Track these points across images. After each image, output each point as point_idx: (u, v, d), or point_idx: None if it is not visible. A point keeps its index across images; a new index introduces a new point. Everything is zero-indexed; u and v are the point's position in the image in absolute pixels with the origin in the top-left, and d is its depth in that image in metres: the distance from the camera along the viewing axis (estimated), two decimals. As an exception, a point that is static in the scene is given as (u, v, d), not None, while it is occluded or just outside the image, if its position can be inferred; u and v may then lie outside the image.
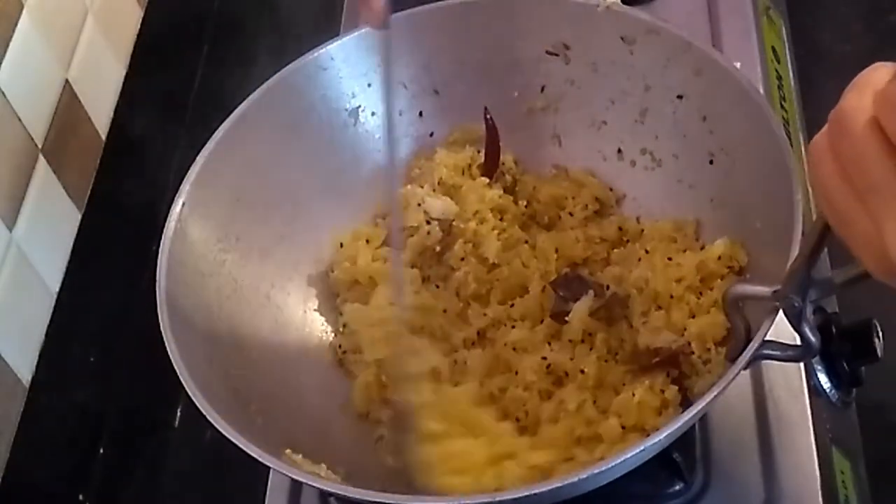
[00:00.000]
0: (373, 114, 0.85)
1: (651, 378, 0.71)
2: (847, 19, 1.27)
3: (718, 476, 0.74)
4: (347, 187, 0.85)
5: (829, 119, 0.43)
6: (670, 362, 0.72)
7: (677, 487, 0.74)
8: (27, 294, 0.83)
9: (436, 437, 0.71)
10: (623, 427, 0.70)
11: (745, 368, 0.62)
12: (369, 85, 0.85)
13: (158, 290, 0.70)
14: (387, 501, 0.61)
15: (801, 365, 0.78)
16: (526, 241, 0.82)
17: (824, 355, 0.80)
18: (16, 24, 0.83)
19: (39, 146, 0.85)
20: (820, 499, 0.73)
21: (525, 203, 0.84)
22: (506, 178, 0.84)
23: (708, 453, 0.75)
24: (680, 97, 0.79)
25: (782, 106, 0.95)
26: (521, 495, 0.60)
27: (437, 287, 0.81)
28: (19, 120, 0.82)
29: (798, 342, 0.61)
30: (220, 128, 0.79)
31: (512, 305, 0.79)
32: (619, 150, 0.84)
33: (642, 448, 0.60)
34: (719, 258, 0.73)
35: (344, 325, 0.80)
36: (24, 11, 0.84)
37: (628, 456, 0.59)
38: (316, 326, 0.82)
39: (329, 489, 0.65)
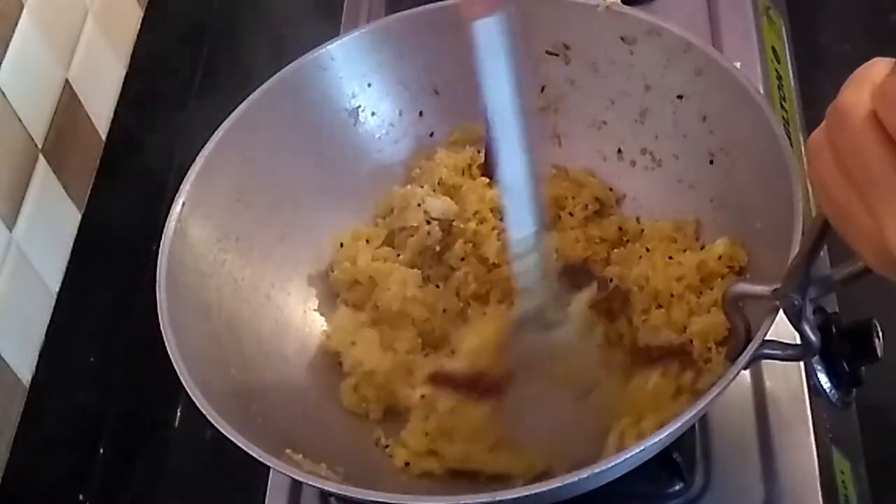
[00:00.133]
0: (373, 114, 0.86)
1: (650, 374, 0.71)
2: (847, 19, 1.27)
3: (718, 476, 0.74)
4: (347, 187, 0.85)
5: (827, 113, 0.44)
6: (669, 360, 0.72)
7: (677, 487, 0.74)
8: (27, 294, 0.83)
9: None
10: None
11: (745, 368, 0.62)
12: (369, 85, 0.85)
13: (158, 290, 0.70)
14: (387, 501, 0.61)
15: (801, 365, 0.78)
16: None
17: (824, 355, 0.80)
18: (16, 24, 0.83)
19: (39, 146, 0.85)
20: (820, 499, 0.73)
21: None
22: None
23: (708, 453, 0.75)
24: (680, 97, 0.79)
25: (782, 106, 0.95)
26: (521, 495, 0.60)
27: (437, 287, 0.81)
28: (19, 120, 0.82)
29: (798, 341, 0.61)
30: (220, 128, 0.79)
31: (512, 304, 0.79)
32: (619, 150, 0.84)
33: (642, 448, 0.60)
34: (720, 258, 0.73)
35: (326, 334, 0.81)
36: (24, 11, 0.84)
37: (628, 456, 0.59)
38: (316, 326, 0.82)
39: (329, 489, 0.65)
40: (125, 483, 0.89)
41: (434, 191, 0.83)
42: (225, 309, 0.76)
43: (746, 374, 0.78)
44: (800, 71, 1.04)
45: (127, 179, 0.96)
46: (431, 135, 0.87)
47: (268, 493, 0.79)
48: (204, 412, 0.64)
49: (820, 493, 0.73)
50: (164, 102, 1.05)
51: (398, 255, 0.82)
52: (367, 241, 0.83)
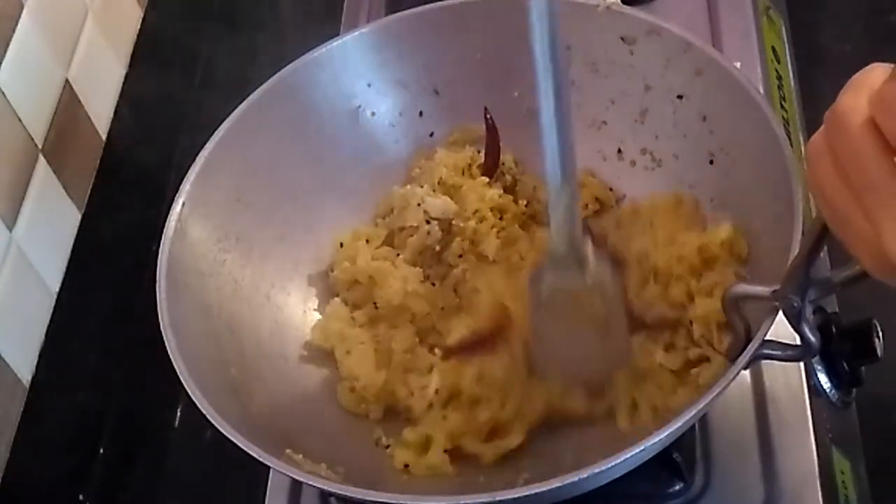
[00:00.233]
0: (373, 114, 0.86)
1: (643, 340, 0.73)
2: (847, 19, 1.27)
3: (718, 476, 0.74)
4: (347, 187, 0.85)
5: (825, 119, 0.44)
6: (663, 327, 0.73)
7: (677, 487, 0.74)
8: (27, 294, 0.83)
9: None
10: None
11: (745, 368, 0.62)
12: (369, 85, 0.85)
13: (158, 290, 0.70)
14: (387, 501, 0.61)
15: (801, 365, 0.78)
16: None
17: (824, 355, 0.80)
18: (16, 24, 0.83)
19: (39, 146, 0.85)
20: (820, 499, 0.73)
21: (525, 203, 0.84)
22: (506, 178, 0.84)
23: (708, 453, 0.75)
24: (680, 97, 0.79)
25: (782, 106, 0.95)
26: (521, 495, 0.60)
27: (434, 285, 0.80)
28: (19, 120, 0.82)
29: (798, 342, 0.61)
30: (220, 128, 0.79)
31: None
32: (619, 150, 0.84)
33: (642, 448, 0.60)
34: (721, 243, 0.73)
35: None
36: (24, 11, 0.84)
37: (628, 456, 0.59)
38: (316, 326, 0.82)
39: (329, 489, 0.65)
40: (125, 483, 0.89)
41: (434, 190, 0.83)
42: (225, 309, 0.76)
43: (746, 374, 0.78)
44: (800, 71, 1.04)
45: (127, 179, 0.96)
46: (431, 135, 0.87)
47: (268, 493, 0.79)
48: (204, 412, 0.64)
49: (820, 493, 0.73)
50: (164, 102, 1.05)
51: (398, 254, 0.82)
52: (367, 241, 0.83)
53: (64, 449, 0.85)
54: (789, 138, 0.69)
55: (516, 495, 0.60)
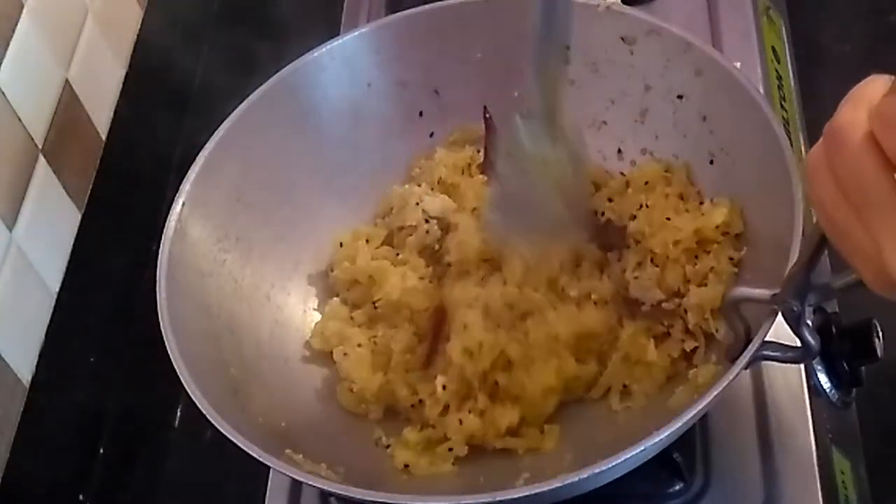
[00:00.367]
0: (373, 114, 0.85)
1: (638, 324, 0.73)
2: (847, 19, 1.27)
3: (718, 476, 0.74)
4: (347, 187, 0.85)
5: (824, 133, 0.43)
6: (657, 317, 0.73)
7: (677, 487, 0.74)
8: (27, 294, 0.83)
9: None
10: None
11: (744, 368, 0.62)
12: (369, 85, 0.85)
13: (158, 290, 0.70)
14: (387, 501, 0.61)
15: (801, 365, 0.78)
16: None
17: (824, 355, 0.80)
18: (16, 24, 0.83)
19: (39, 146, 0.85)
20: (820, 499, 0.73)
21: None
22: None
23: (708, 453, 0.75)
24: (680, 97, 0.79)
25: (782, 106, 0.95)
26: (521, 495, 0.60)
27: (430, 282, 0.80)
28: (19, 120, 0.82)
29: (798, 343, 0.61)
30: (220, 128, 0.79)
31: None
32: (619, 150, 0.84)
33: (642, 448, 0.60)
34: (717, 227, 0.73)
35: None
36: (24, 11, 0.84)
37: (628, 456, 0.60)
38: (316, 326, 0.82)
39: (329, 489, 0.65)
40: (125, 483, 0.89)
41: (433, 190, 0.83)
42: (225, 309, 0.76)
43: (746, 374, 0.78)
44: (800, 71, 1.04)
45: (127, 179, 0.96)
46: (431, 135, 0.87)
47: (268, 493, 0.79)
48: (204, 412, 0.64)
49: (820, 493, 0.73)
50: (164, 102, 1.05)
51: (397, 254, 0.82)
52: (367, 241, 0.83)
53: (64, 449, 0.85)
54: (789, 138, 0.69)
55: (516, 495, 0.60)
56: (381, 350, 0.77)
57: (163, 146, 1.01)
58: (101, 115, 0.95)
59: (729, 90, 0.74)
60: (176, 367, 0.66)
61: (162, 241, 0.73)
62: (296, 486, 0.79)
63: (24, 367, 0.81)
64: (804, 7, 1.14)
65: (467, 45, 0.84)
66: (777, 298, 0.58)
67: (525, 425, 0.73)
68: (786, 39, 1.04)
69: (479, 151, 0.85)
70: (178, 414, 0.93)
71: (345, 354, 0.77)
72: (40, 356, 0.82)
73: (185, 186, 0.76)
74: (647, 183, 0.80)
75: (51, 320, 0.84)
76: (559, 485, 0.60)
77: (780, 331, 0.61)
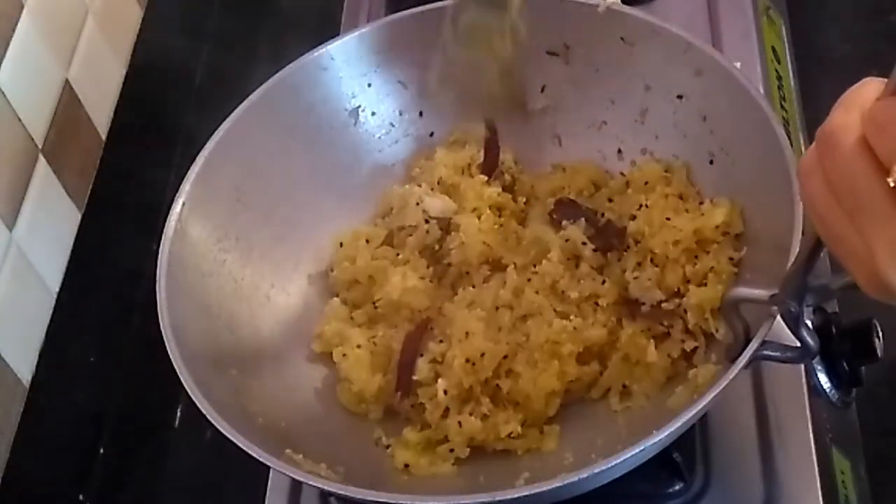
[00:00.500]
0: (373, 114, 0.86)
1: (638, 325, 0.73)
2: (847, 19, 1.27)
3: (718, 476, 0.74)
4: (347, 187, 0.85)
5: (816, 136, 0.43)
6: (657, 317, 0.72)
7: (677, 487, 0.74)
8: (27, 294, 0.83)
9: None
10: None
11: (744, 368, 0.62)
12: (369, 85, 0.85)
13: (158, 290, 0.70)
14: (387, 501, 0.61)
15: (801, 365, 0.78)
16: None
17: (824, 355, 0.80)
18: (16, 24, 0.83)
19: (39, 146, 0.85)
20: (820, 499, 0.73)
21: (524, 200, 0.84)
22: (505, 178, 0.84)
23: (708, 453, 0.75)
24: (680, 97, 0.79)
25: (782, 106, 0.95)
26: (521, 495, 0.60)
27: (430, 282, 0.80)
28: (19, 120, 0.82)
29: (798, 343, 0.61)
30: (220, 128, 0.79)
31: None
32: (619, 150, 0.84)
33: (642, 448, 0.60)
34: (717, 227, 0.73)
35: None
36: (24, 11, 0.84)
37: (628, 456, 0.60)
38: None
39: (329, 489, 0.65)
40: (125, 483, 0.89)
41: (433, 190, 0.83)
42: (225, 309, 0.76)
43: (746, 373, 0.77)
44: (800, 71, 1.04)
45: (127, 179, 0.96)
46: (431, 135, 0.87)
47: (268, 493, 0.78)
48: (204, 412, 0.64)
49: (820, 493, 0.73)
50: (164, 102, 1.05)
51: (397, 254, 0.82)
52: (367, 241, 0.83)
53: (64, 449, 0.85)
54: (789, 138, 0.69)
55: (516, 495, 0.60)
56: (381, 350, 0.77)
57: (163, 146, 1.01)
58: (101, 115, 0.95)
59: (729, 90, 0.74)
60: (176, 367, 0.66)
61: (162, 241, 0.73)
62: (296, 486, 0.79)
63: (24, 367, 0.81)
64: (804, 7, 1.14)
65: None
66: (775, 299, 0.58)
67: (525, 426, 0.73)
68: (786, 39, 1.04)
69: (479, 152, 0.85)
70: (178, 414, 0.92)
71: (344, 355, 0.77)
72: (40, 356, 0.82)
73: (185, 186, 0.76)
74: (646, 183, 0.80)
75: (51, 320, 0.84)
76: (559, 485, 0.60)
77: (779, 331, 0.61)
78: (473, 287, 0.79)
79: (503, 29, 0.76)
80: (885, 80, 0.41)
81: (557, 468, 0.69)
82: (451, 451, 0.72)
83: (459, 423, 0.72)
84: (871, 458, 0.86)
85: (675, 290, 0.73)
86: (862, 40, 1.25)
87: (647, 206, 0.77)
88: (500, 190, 0.83)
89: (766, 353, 0.62)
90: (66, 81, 0.90)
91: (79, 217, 0.90)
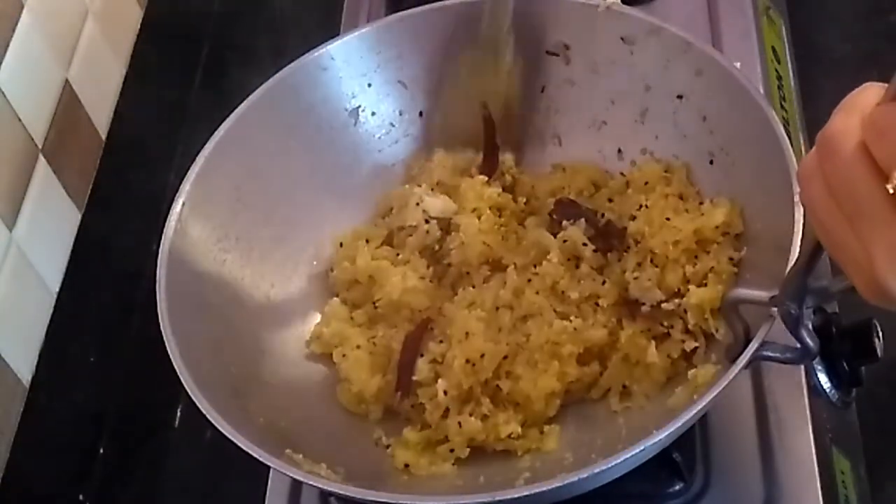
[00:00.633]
0: (373, 114, 0.86)
1: (638, 326, 0.73)
2: (847, 19, 1.27)
3: (718, 476, 0.74)
4: (347, 187, 0.85)
5: (817, 141, 0.43)
6: (657, 317, 0.72)
7: (677, 487, 0.74)
8: (27, 294, 0.83)
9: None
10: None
11: (744, 368, 0.62)
12: (369, 85, 0.85)
13: (158, 290, 0.70)
14: (387, 501, 0.61)
15: (801, 365, 0.78)
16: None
17: (824, 355, 0.80)
18: (16, 24, 0.83)
19: (39, 146, 0.85)
20: (820, 499, 0.73)
21: (524, 200, 0.84)
22: (505, 178, 0.84)
23: (708, 453, 0.75)
24: (680, 97, 0.79)
25: (782, 106, 0.95)
26: (521, 495, 0.60)
27: (431, 282, 0.80)
28: (19, 120, 0.82)
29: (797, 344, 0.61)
30: (220, 128, 0.79)
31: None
32: (619, 150, 0.84)
33: (642, 448, 0.60)
34: (717, 227, 0.73)
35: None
36: (24, 11, 0.84)
37: (628, 456, 0.60)
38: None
39: (329, 489, 0.65)
40: (125, 483, 0.89)
41: (433, 190, 0.83)
42: (225, 309, 0.76)
43: (746, 373, 0.77)
44: (800, 71, 1.04)
45: (127, 179, 0.96)
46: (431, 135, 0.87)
47: (268, 493, 0.78)
48: (204, 412, 0.64)
49: (820, 493, 0.73)
50: (164, 102, 1.05)
51: (397, 254, 0.82)
52: (367, 241, 0.83)
53: (64, 449, 0.85)
54: (789, 138, 0.69)
55: (516, 495, 0.60)
56: (381, 351, 0.77)
57: (163, 146, 1.01)
58: (101, 115, 0.95)
59: (729, 90, 0.74)
60: (176, 366, 0.66)
61: (162, 241, 0.73)
62: (296, 486, 0.79)
63: (24, 367, 0.81)
64: (804, 7, 1.14)
65: (467, 45, 0.84)
66: (775, 301, 0.58)
67: (525, 426, 0.73)
68: (786, 39, 1.04)
69: (478, 152, 0.85)
70: (178, 414, 0.93)
71: (344, 356, 0.77)
72: (40, 356, 0.83)
73: (185, 186, 0.76)
74: (646, 183, 0.80)
75: (51, 320, 0.84)
76: (559, 485, 0.60)
77: (779, 331, 0.61)
78: (473, 287, 0.79)
79: (500, 72, 0.81)
80: (886, 84, 0.41)
81: (557, 468, 0.69)
82: (451, 451, 0.72)
83: (459, 423, 0.72)
84: (871, 458, 0.86)
85: (676, 290, 0.73)
86: (862, 40, 1.25)
87: (647, 206, 0.77)
88: (500, 190, 0.83)
89: (765, 353, 0.62)
90: (66, 81, 0.90)
91: (79, 217, 0.90)
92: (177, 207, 0.75)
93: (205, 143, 0.78)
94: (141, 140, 0.99)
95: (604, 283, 0.75)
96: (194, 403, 0.65)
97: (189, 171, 0.77)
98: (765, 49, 0.97)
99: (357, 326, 0.79)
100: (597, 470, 0.59)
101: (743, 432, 0.76)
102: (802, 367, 0.78)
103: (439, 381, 0.73)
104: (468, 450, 0.72)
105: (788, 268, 0.60)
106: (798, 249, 0.62)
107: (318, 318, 0.82)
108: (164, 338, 0.68)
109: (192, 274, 0.74)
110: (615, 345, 0.74)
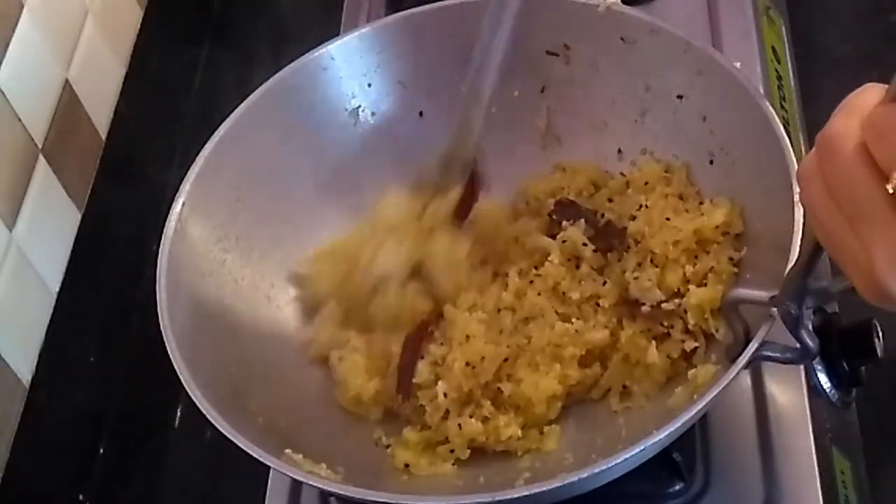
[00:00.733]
0: (373, 114, 0.86)
1: (638, 326, 0.73)
2: (847, 19, 1.27)
3: (718, 476, 0.74)
4: (347, 187, 0.85)
5: (816, 142, 0.43)
6: (657, 317, 0.72)
7: (677, 487, 0.74)
8: (27, 294, 0.83)
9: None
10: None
11: (744, 368, 0.62)
12: (369, 85, 0.85)
13: (158, 290, 0.70)
14: (387, 501, 0.61)
15: (801, 365, 0.78)
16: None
17: (824, 355, 0.80)
18: (16, 24, 0.83)
19: (39, 146, 0.85)
20: (820, 499, 0.73)
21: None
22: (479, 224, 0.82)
23: (708, 453, 0.75)
24: (680, 97, 0.79)
25: (782, 106, 0.95)
26: (521, 495, 0.60)
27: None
28: (19, 120, 0.82)
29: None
30: (220, 128, 0.79)
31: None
32: (619, 150, 0.84)
33: (642, 448, 0.60)
34: (717, 227, 0.73)
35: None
36: (24, 11, 0.84)
37: (628, 456, 0.59)
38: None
39: (329, 489, 0.65)
40: (125, 483, 0.89)
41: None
42: (225, 309, 0.76)
43: (746, 374, 0.78)
44: (800, 71, 1.04)
45: (127, 179, 0.96)
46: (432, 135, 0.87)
47: (268, 493, 0.78)
48: (204, 412, 0.64)
49: (820, 493, 0.73)
50: (164, 103, 1.05)
51: None
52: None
53: (64, 449, 0.85)
54: (789, 138, 0.69)
55: (516, 495, 0.60)
56: (379, 353, 0.77)
57: (163, 146, 1.01)
58: (101, 115, 0.95)
59: (729, 90, 0.74)
60: (176, 367, 0.66)
61: (162, 241, 0.73)
62: (296, 486, 0.79)
63: (24, 367, 0.81)
64: (804, 7, 1.14)
65: (467, 45, 0.84)
66: (775, 301, 0.58)
67: (526, 428, 0.73)
68: (786, 39, 1.04)
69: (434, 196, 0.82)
70: (178, 414, 0.93)
71: (340, 359, 0.77)
72: (40, 356, 0.83)
73: (185, 186, 0.76)
74: (646, 183, 0.80)
75: (51, 320, 0.84)
76: (559, 485, 0.60)
77: (779, 331, 0.61)
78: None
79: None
80: (886, 86, 0.41)
81: (557, 468, 0.69)
82: (452, 451, 0.72)
83: (459, 425, 0.72)
84: (871, 458, 0.86)
85: (676, 290, 0.73)
86: (862, 40, 1.25)
87: (647, 206, 0.77)
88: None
89: (765, 353, 0.62)
90: (66, 81, 0.90)
91: (79, 217, 0.90)
92: (177, 207, 0.75)
93: (205, 143, 0.78)
94: (141, 140, 0.99)
95: (605, 283, 0.75)
96: (194, 403, 0.65)
97: (189, 171, 0.76)
98: (765, 49, 0.97)
99: (353, 329, 0.79)
100: (597, 470, 0.59)
101: (743, 432, 0.76)
102: (802, 367, 0.78)
103: (439, 383, 0.73)
104: (468, 451, 0.72)
105: (788, 268, 0.60)
106: (798, 249, 0.62)
107: (318, 318, 0.82)
108: (164, 338, 0.68)
109: (192, 274, 0.74)
110: (615, 345, 0.74)
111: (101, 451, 0.88)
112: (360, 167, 0.86)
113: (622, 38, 0.80)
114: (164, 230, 0.74)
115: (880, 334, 0.79)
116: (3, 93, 0.80)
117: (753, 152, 0.73)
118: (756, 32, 0.98)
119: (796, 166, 0.67)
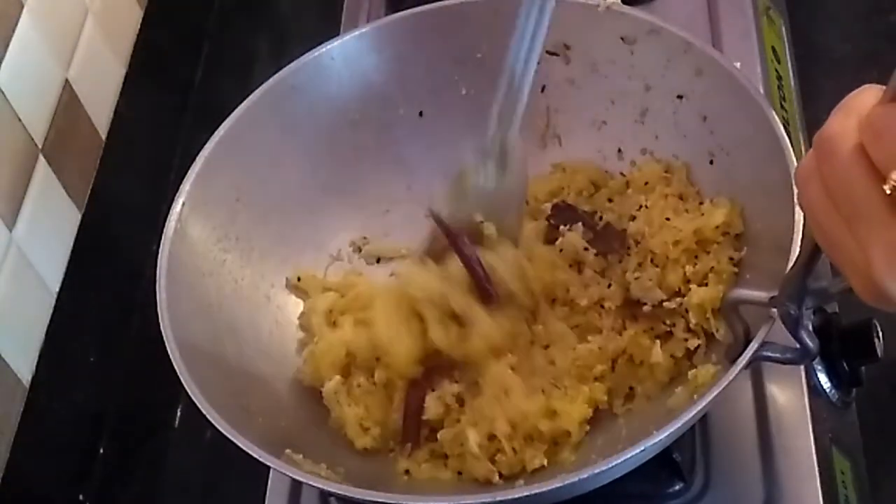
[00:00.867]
0: (373, 114, 0.85)
1: (640, 326, 0.73)
2: (847, 19, 1.27)
3: (718, 476, 0.74)
4: (347, 187, 0.85)
5: (814, 142, 0.43)
6: (659, 317, 0.72)
7: (677, 487, 0.74)
8: (27, 294, 0.83)
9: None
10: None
11: (744, 369, 0.62)
12: (369, 85, 0.85)
13: (158, 290, 0.70)
14: (387, 501, 0.61)
15: (801, 365, 0.78)
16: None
17: (824, 355, 0.80)
18: (16, 24, 0.83)
19: (39, 146, 0.85)
20: (820, 499, 0.73)
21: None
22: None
23: (708, 453, 0.75)
24: (680, 97, 0.79)
25: (782, 106, 0.95)
26: (521, 495, 0.60)
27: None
28: (19, 120, 0.82)
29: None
30: (220, 128, 0.79)
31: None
32: (619, 150, 0.84)
33: (642, 448, 0.60)
34: (717, 227, 0.73)
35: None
36: (24, 11, 0.84)
37: (628, 456, 0.59)
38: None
39: (329, 489, 0.65)
40: (125, 483, 0.89)
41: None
42: (225, 309, 0.76)
43: (746, 374, 0.77)
44: (800, 71, 1.04)
45: (127, 179, 0.96)
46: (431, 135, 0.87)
47: (268, 493, 0.79)
48: (204, 412, 0.64)
49: (820, 493, 0.73)
50: (164, 102, 1.05)
51: None
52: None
53: (64, 449, 0.85)
54: (789, 138, 0.69)
55: (516, 495, 0.60)
56: (380, 391, 0.75)
57: (163, 146, 1.01)
58: (101, 115, 0.95)
59: (729, 90, 0.74)
60: (176, 367, 0.66)
61: (162, 241, 0.73)
62: (296, 486, 0.79)
63: (24, 367, 0.81)
64: (804, 7, 1.14)
65: (467, 45, 0.84)
66: (775, 301, 0.58)
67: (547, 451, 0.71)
68: (786, 39, 1.04)
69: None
70: (178, 414, 0.93)
71: (338, 402, 0.75)
72: (40, 356, 0.82)
73: (185, 186, 0.76)
74: (646, 183, 0.80)
75: (51, 320, 0.84)
76: (559, 485, 0.60)
77: (779, 331, 0.61)
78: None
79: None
80: (884, 86, 0.41)
81: (557, 468, 0.69)
82: (459, 473, 0.71)
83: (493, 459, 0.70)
84: (871, 458, 0.86)
85: (676, 289, 0.73)
86: (862, 40, 1.25)
87: (646, 206, 0.77)
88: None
89: (765, 353, 0.62)
90: (66, 81, 0.90)
91: (79, 217, 0.90)
92: (177, 207, 0.75)
93: (205, 143, 0.78)
94: (141, 140, 0.99)
95: (609, 285, 0.75)
96: (194, 403, 0.65)
97: (189, 171, 0.77)
98: (765, 49, 0.97)
99: (351, 362, 0.77)
100: (597, 470, 0.59)
101: (743, 432, 0.76)
102: (802, 367, 0.78)
103: (470, 433, 0.70)
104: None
105: (788, 268, 0.60)
106: (798, 250, 0.62)
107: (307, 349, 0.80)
108: (164, 338, 0.68)
109: (192, 274, 0.74)
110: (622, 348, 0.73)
111: (101, 451, 0.88)
112: (360, 167, 0.86)
113: (622, 38, 0.80)
114: (164, 230, 0.74)
115: (880, 334, 0.79)
116: (3, 93, 0.80)
117: (753, 152, 0.73)
118: (756, 32, 0.98)
119: (796, 166, 0.67)
